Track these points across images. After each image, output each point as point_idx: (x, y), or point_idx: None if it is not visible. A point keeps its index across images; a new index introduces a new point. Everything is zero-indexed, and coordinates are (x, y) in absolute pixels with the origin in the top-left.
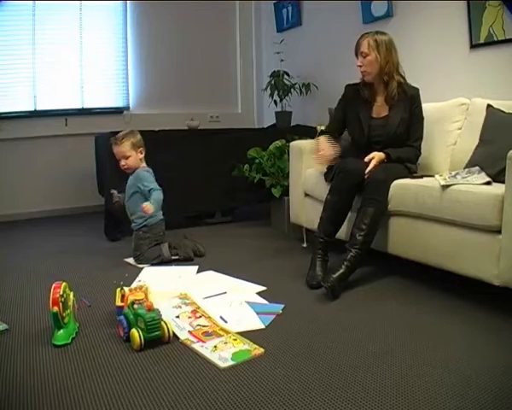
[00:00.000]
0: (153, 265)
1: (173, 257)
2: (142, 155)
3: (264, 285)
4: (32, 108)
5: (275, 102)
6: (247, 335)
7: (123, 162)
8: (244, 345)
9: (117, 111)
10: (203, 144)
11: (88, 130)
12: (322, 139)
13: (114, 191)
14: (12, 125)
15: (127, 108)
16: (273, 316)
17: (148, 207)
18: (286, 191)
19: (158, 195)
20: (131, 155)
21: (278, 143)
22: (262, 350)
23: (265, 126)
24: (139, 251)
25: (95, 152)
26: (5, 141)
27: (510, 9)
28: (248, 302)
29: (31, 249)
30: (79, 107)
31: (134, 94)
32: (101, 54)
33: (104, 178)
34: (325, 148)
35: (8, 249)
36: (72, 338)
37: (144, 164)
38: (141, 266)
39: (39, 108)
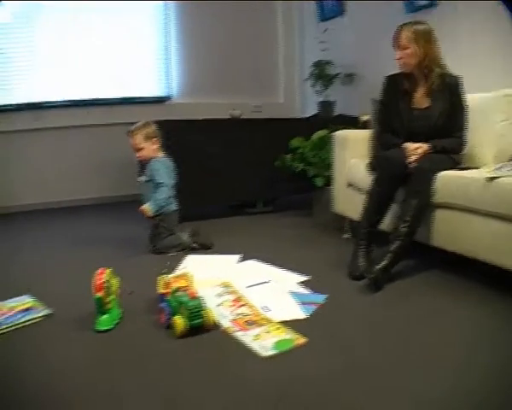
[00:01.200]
0: (171, 252)
1: (193, 245)
2: (156, 146)
3: (306, 275)
4: (73, 98)
5: (317, 91)
6: (290, 324)
7: (138, 154)
8: (286, 334)
9: (160, 100)
10: (246, 134)
11: (131, 119)
12: (408, 145)
13: (142, 178)
14: (54, 114)
15: (170, 97)
16: (316, 306)
17: (146, 209)
18: (328, 181)
19: (161, 194)
20: (145, 147)
21: (321, 132)
22: (304, 340)
23: (308, 116)
24: (156, 240)
25: None
26: (48, 130)
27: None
28: (291, 292)
29: (74, 237)
30: (122, 96)
31: (177, 83)
32: (144, 43)
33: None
34: (413, 149)
35: (53, 237)
36: (116, 324)
37: (160, 154)
38: (172, 254)
39: (81, 97)
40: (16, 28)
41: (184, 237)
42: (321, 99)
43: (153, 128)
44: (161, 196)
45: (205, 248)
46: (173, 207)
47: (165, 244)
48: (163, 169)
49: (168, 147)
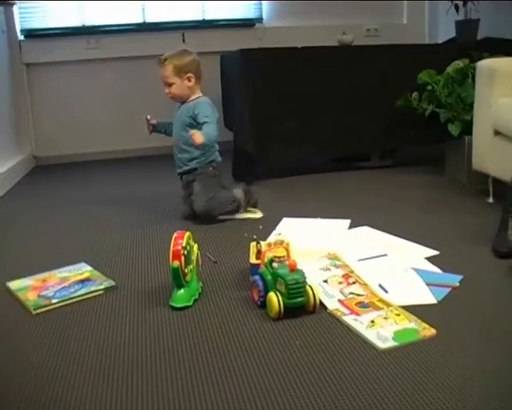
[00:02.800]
0: (226, 213)
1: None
2: (190, 83)
3: (435, 249)
4: (140, 20)
5: (455, 7)
6: (414, 310)
7: (166, 90)
8: (410, 323)
9: (247, 24)
10: (358, 66)
11: (211, 48)
12: None
13: (149, 116)
14: (116, 41)
15: (260, 19)
16: (448, 289)
17: (198, 135)
18: (468, 129)
19: (211, 129)
20: (175, 83)
21: (459, 63)
22: (433, 331)
23: (441, 42)
24: (211, 192)
25: (220, 75)
26: (107, 60)
27: None
28: (415, 269)
29: (130, 192)
30: (200, 19)
31: (269, 2)
32: None
33: (234, 105)
34: None
35: (104, 192)
36: (195, 300)
37: (200, 94)
38: (222, 217)
39: (149, 19)
40: None
41: (238, 193)
42: (459, 18)
43: (186, 60)
44: (213, 133)
45: (254, 207)
46: (220, 158)
47: (220, 199)
48: (211, 109)
49: (257, 84)
